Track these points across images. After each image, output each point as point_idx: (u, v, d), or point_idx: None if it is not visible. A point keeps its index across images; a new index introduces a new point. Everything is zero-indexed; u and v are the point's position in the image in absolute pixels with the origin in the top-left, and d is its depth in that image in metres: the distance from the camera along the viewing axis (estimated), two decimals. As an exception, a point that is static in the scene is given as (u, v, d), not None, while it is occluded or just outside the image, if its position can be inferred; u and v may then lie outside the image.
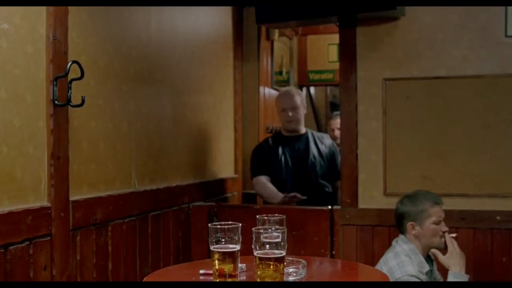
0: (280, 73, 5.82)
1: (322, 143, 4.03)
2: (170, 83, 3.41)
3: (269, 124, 4.98)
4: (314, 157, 3.94)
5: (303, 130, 4.01)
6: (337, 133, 4.97)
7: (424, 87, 3.38)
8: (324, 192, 3.91)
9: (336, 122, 5.03)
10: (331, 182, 3.95)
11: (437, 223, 2.75)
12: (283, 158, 3.93)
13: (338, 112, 5.31)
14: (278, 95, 4.12)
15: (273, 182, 3.89)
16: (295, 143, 3.96)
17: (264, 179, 3.91)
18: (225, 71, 4.38)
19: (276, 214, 1.99)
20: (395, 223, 2.85)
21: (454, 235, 2.80)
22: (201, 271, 1.83)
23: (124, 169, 2.89)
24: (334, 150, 4.05)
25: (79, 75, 2.35)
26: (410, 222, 2.75)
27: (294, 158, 3.93)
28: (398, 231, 2.83)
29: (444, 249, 2.75)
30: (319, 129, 7.38)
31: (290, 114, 3.90)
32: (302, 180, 3.90)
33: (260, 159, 3.98)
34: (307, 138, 4.00)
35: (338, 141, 4.93)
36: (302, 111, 3.97)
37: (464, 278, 2.66)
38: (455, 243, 2.74)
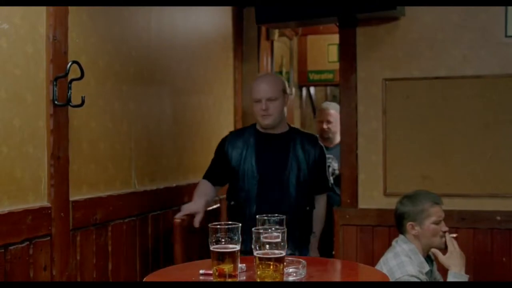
0: (280, 73, 5.83)
1: (310, 145, 3.14)
2: (170, 83, 3.41)
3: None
4: (295, 165, 3.06)
5: (284, 127, 3.15)
6: (326, 126, 4.49)
7: (424, 87, 3.38)
8: (301, 212, 3.08)
9: (326, 114, 4.54)
10: (313, 197, 3.17)
11: (437, 223, 2.75)
12: (249, 161, 3.07)
13: (328, 103, 4.75)
14: (254, 80, 3.24)
15: (233, 190, 3.11)
16: (272, 143, 3.11)
17: (204, 185, 3.15)
18: (225, 71, 4.38)
19: (276, 214, 1.99)
20: (395, 223, 2.85)
21: (454, 235, 2.79)
22: (201, 271, 1.83)
23: (124, 169, 2.89)
24: (322, 156, 3.20)
25: (79, 75, 2.35)
26: (410, 222, 2.75)
27: (264, 163, 3.06)
28: (398, 231, 2.83)
29: (444, 249, 2.75)
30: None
31: (265, 107, 3.03)
32: (272, 193, 3.03)
33: (220, 155, 3.16)
34: (289, 138, 3.13)
35: (327, 135, 4.44)
36: (282, 102, 3.08)
37: (464, 278, 2.66)
38: (455, 243, 2.74)
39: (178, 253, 2.85)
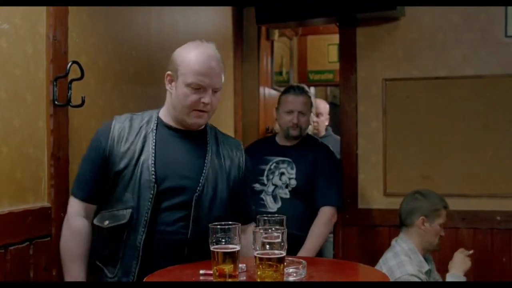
0: (280, 73, 5.82)
1: (233, 152, 2.20)
2: (170, 83, 3.40)
3: (269, 124, 4.98)
4: (211, 177, 2.05)
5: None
6: (321, 119, 4.28)
7: (424, 87, 3.38)
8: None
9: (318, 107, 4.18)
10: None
11: (441, 225, 2.78)
12: (145, 161, 1.99)
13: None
14: (189, 49, 2.23)
15: (111, 204, 2.03)
16: (181, 142, 2.09)
17: (74, 238, 2.08)
18: (225, 71, 4.37)
19: (276, 215, 1.99)
20: (400, 218, 2.81)
21: (471, 251, 2.81)
22: (201, 271, 1.83)
23: (124, 169, 2.89)
24: (250, 169, 2.25)
25: (79, 75, 2.35)
26: (423, 217, 2.74)
27: (170, 169, 2.01)
28: (401, 226, 2.81)
29: (438, 251, 2.79)
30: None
31: (208, 100, 2.09)
32: (172, 215, 1.98)
33: (98, 154, 2.07)
34: (205, 138, 2.16)
35: (319, 131, 4.29)
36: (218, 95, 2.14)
37: (462, 279, 2.68)
38: (465, 253, 2.77)
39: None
